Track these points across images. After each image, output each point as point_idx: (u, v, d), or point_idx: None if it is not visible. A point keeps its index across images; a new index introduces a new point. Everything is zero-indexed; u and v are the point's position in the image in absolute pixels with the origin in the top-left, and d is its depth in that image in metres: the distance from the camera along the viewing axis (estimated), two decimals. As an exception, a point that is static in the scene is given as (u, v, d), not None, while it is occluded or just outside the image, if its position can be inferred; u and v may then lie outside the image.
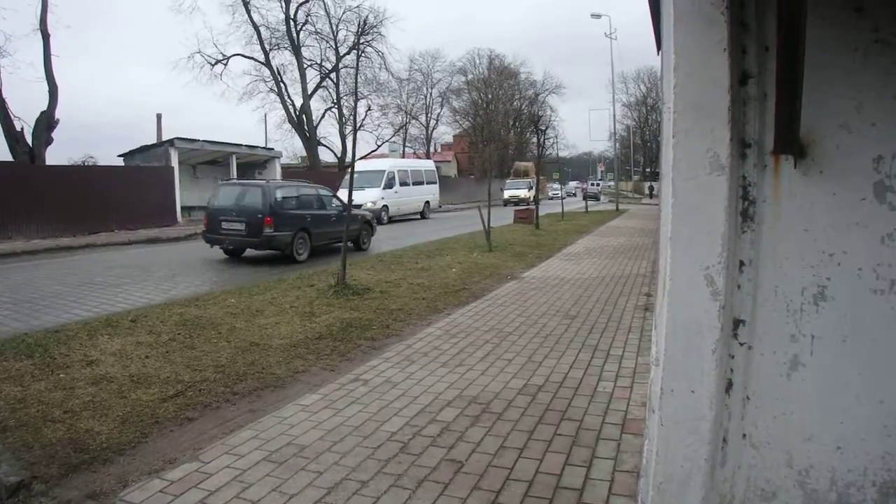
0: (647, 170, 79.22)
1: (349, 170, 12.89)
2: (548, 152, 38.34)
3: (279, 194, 13.66)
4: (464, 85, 70.62)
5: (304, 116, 43.51)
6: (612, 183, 65.30)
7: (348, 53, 44.24)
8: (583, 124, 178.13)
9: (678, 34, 1.91)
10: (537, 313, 7.61)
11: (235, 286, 9.54)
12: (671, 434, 2.01)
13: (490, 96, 70.85)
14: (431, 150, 68.48)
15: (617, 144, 57.46)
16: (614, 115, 51.04)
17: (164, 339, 6.24)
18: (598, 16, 46.08)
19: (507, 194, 42.49)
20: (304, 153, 47.50)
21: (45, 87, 26.33)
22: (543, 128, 32.33)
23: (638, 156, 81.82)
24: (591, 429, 4.10)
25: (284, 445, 3.89)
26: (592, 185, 73.28)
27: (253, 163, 35.81)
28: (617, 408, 4.45)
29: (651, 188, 61.17)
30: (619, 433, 4.02)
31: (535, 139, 31.74)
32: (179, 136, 29.12)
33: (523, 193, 41.43)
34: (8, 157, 25.12)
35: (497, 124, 65.95)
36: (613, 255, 13.71)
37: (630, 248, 15.30)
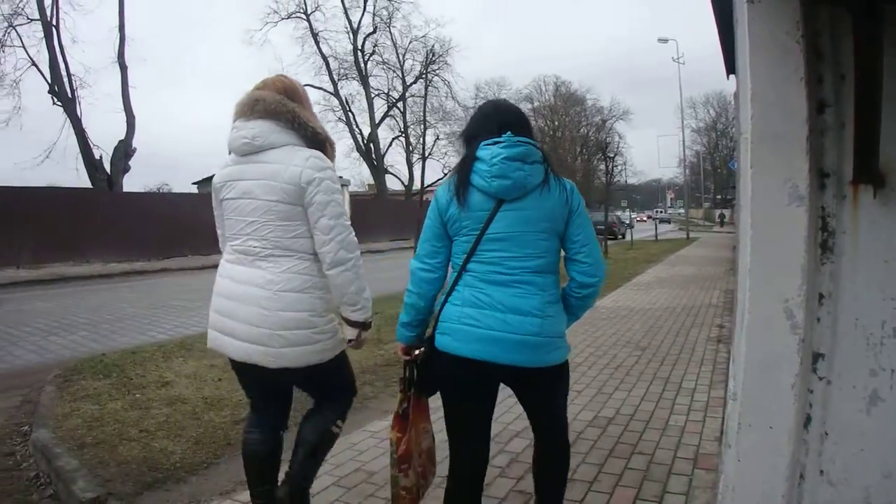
0: (718, 197, 77.60)
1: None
2: (616, 179, 38.01)
3: None
4: (530, 112, 70.71)
5: (371, 145, 44.36)
6: (681, 210, 64.13)
7: (415, 83, 45.05)
8: (651, 151, 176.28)
9: (754, 64, 1.91)
10: (607, 344, 7.53)
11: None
12: (747, 470, 1.98)
13: (556, 123, 70.78)
14: (497, 178, 68.46)
15: (687, 171, 56.51)
16: (683, 141, 50.19)
17: (237, 363, 6.40)
18: (664, 40, 45.43)
19: None
20: (371, 181, 48.30)
21: (123, 117, 27.56)
22: (612, 154, 32.06)
23: (708, 182, 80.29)
24: (663, 463, 4.03)
25: (353, 471, 3.94)
26: (658, 212, 71.92)
27: (322, 190, 36.60)
28: (689, 442, 4.36)
29: (722, 216, 59.79)
30: (692, 468, 3.94)
31: (602, 166, 31.36)
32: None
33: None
34: (87, 184, 26.32)
35: (564, 151, 65.70)
36: (684, 285, 13.46)
37: (701, 278, 14.99)
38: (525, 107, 69.97)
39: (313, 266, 2.68)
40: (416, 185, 49.42)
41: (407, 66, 46.06)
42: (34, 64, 26.31)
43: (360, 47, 43.35)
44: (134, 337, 8.28)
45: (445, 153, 47.82)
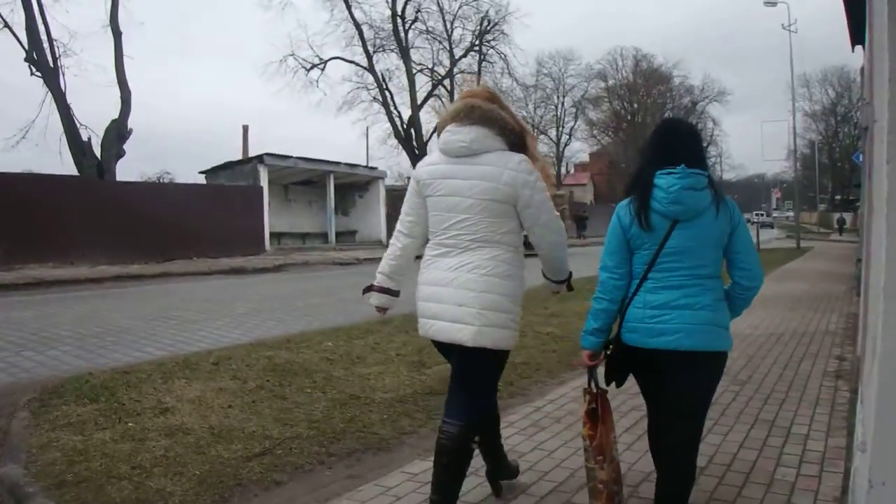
0: (838, 197, 75.95)
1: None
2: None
3: None
4: (603, 92, 70.50)
5: (412, 130, 44.34)
6: (790, 213, 62.92)
7: (465, 56, 45.05)
8: (753, 140, 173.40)
9: (893, 40, 1.85)
10: (696, 375, 7.40)
11: (332, 327, 9.80)
12: (881, 541, 1.91)
13: (636, 106, 70.44)
14: (563, 171, 68.24)
15: (798, 165, 55.13)
16: (794, 128, 48.30)
17: (251, 387, 6.47)
18: (772, 3, 44.51)
19: None
20: (411, 173, 48.47)
21: (117, 93, 27.82)
22: (704, 144, 31.67)
23: (825, 179, 78.69)
24: (767, 527, 3.94)
25: (389, 522, 3.94)
26: (758, 214, 70.71)
27: (353, 184, 36.81)
28: (800, 502, 4.26)
29: (842, 221, 58.62)
30: (804, 535, 3.84)
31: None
32: (269, 151, 30.00)
33: None
34: (73, 171, 26.43)
35: (645, 140, 65.11)
36: (794, 306, 13.21)
37: (815, 298, 14.70)
38: (597, 86, 69.89)
39: (516, 257, 3.62)
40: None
41: (455, 35, 46.29)
42: (7, 26, 26.52)
43: (399, 13, 43.41)
44: (127, 353, 8.38)
45: (500, 141, 47.78)
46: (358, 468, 4.75)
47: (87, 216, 20.89)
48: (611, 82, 69.68)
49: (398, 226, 3.90)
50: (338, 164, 34.08)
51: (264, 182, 28.92)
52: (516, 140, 3.65)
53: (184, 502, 4.11)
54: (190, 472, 4.52)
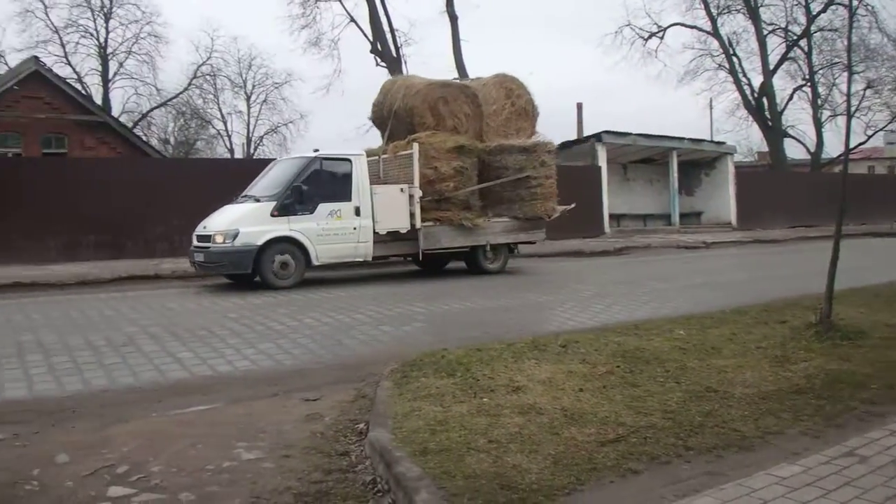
0: None
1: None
2: None
3: None
4: None
5: (764, 99, 42.12)
6: None
7: (824, 11, 41.56)
8: None
9: None
10: None
11: (681, 315, 9.66)
12: None
13: None
14: None
15: None
16: None
17: (601, 372, 6.55)
18: None
19: None
20: (764, 147, 46.17)
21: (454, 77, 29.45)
22: None
23: None
24: None
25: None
26: None
27: (698, 161, 35.84)
28: None
29: None
30: None
31: None
32: (607, 129, 29.99)
33: None
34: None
35: None
36: None
37: None
38: None
39: None
40: (828, 151, 46.02)
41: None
42: (353, 20, 29.03)
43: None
44: (472, 333, 8.94)
45: (869, 108, 43.53)
46: (718, 465, 4.61)
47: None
48: None
49: None
50: (681, 139, 33.26)
51: (602, 161, 29.04)
52: None
53: (540, 480, 4.23)
54: (545, 451, 4.65)
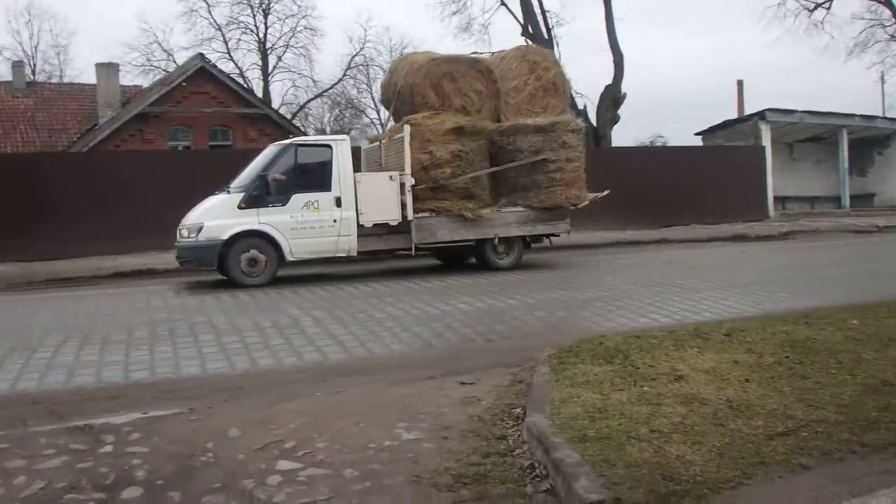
0: None
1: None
2: None
3: None
4: None
5: (943, 71, 39.68)
6: None
7: None
8: None
9: None
10: None
11: (855, 303, 9.22)
12: None
13: None
14: None
15: None
16: None
17: (768, 362, 6.34)
18: None
19: None
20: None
21: (609, 57, 28.88)
22: None
23: None
24: None
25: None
26: None
27: (870, 139, 34.10)
28: None
29: None
30: None
31: None
32: (770, 106, 28.97)
33: None
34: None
35: None
36: None
37: None
38: None
39: None
40: None
41: None
42: (504, 3, 28.98)
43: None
44: (632, 319, 8.84)
45: None
46: (895, 463, 4.42)
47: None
48: None
49: None
50: (851, 116, 31.71)
51: (766, 141, 28.01)
52: None
53: (704, 472, 4.14)
54: (709, 442, 4.55)
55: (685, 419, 4.93)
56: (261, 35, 47.16)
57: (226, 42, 46.41)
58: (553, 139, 15.19)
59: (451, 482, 4.30)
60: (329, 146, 14.31)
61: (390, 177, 14.44)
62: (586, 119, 28.29)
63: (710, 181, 24.55)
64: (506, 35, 38.68)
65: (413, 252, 14.83)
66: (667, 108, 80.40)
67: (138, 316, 10.44)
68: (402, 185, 14.28)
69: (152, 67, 45.22)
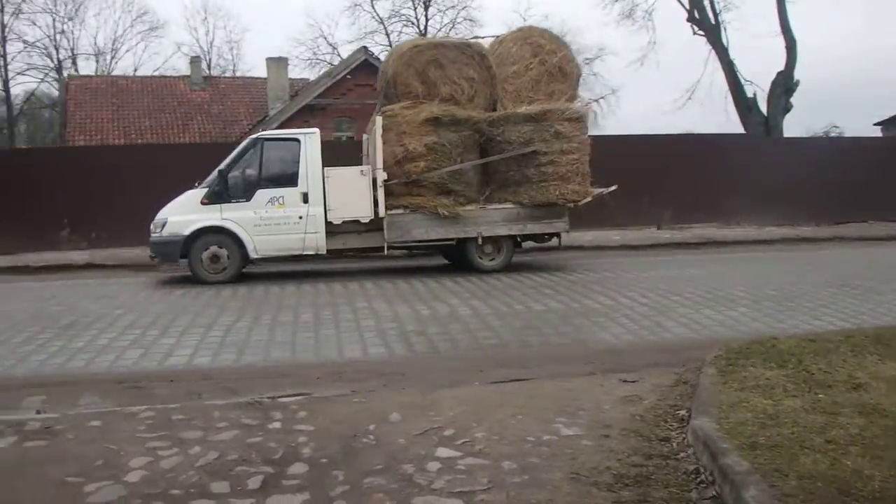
0: None
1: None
2: None
3: None
4: None
5: None
6: None
7: None
8: None
9: None
10: None
11: None
12: None
13: None
14: None
15: None
16: None
17: (956, 374, 5.98)
18: None
19: None
20: None
21: (780, 43, 27.52)
22: None
23: None
24: None
25: None
26: None
27: None
28: None
29: None
30: None
31: None
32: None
33: None
34: (738, 129, 27.25)
35: None
36: None
37: None
38: None
39: None
40: None
41: None
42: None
43: None
44: (805, 321, 8.49)
45: None
46: None
47: (752, 175, 21.12)
48: None
49: None
50: None
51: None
52: None
53: (884, 489, 3.92)
54: (890, 457, 4.29)
55: (864, 431, 4.68)
56: (421, 27, 47.95)
57: (388, 35, 47.45)
58: (544, 129, 14.06)
59: (611, 482, 4.24)
60: (297, 140, 14.00)
61: (361, 171, 14.10)
62: (756, 108, 27.27)
63: (890, 175, 22.93)
64: (670, 22, 37.81)
65: (385, 251, 14.40)
66: (849, 94, 75.73)
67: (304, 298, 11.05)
68: (375, 181, 13.79)
69: (318, 61, 47.32)
